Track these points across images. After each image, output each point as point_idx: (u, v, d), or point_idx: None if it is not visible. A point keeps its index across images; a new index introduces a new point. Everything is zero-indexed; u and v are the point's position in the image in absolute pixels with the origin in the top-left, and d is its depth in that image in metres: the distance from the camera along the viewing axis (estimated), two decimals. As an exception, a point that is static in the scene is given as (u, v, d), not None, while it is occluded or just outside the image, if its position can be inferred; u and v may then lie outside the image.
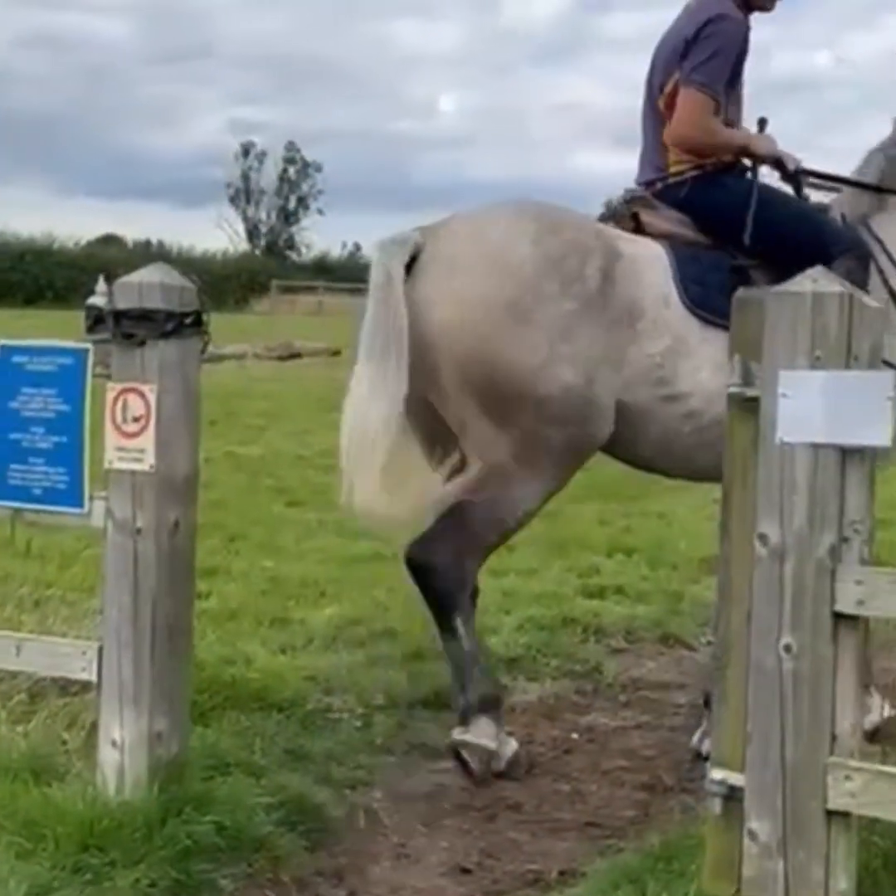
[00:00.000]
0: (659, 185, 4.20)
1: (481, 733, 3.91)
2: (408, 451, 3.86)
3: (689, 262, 4.01)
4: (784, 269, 3.98)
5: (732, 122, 4.21)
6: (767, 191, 4.20)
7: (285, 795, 3.45)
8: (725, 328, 2.96)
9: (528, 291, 3.75)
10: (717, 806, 2.77)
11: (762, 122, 4.26)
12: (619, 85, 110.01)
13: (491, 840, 3.57)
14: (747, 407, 2.81)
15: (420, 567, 3.88)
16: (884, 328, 2.57)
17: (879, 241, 4.20)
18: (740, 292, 2.88)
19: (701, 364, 3.91)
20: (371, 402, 3.73)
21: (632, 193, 4.27)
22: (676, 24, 4.23)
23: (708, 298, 3.90)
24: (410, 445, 3.88)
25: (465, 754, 3.91)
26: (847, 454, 2.45)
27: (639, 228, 4.16)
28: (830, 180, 4.40)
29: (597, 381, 3.83)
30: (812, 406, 2.45)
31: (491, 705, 3.94)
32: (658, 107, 4.20)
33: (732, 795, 2.71)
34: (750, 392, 2.69)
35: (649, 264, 3.97)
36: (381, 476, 3.73)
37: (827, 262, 3.95)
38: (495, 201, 4.11)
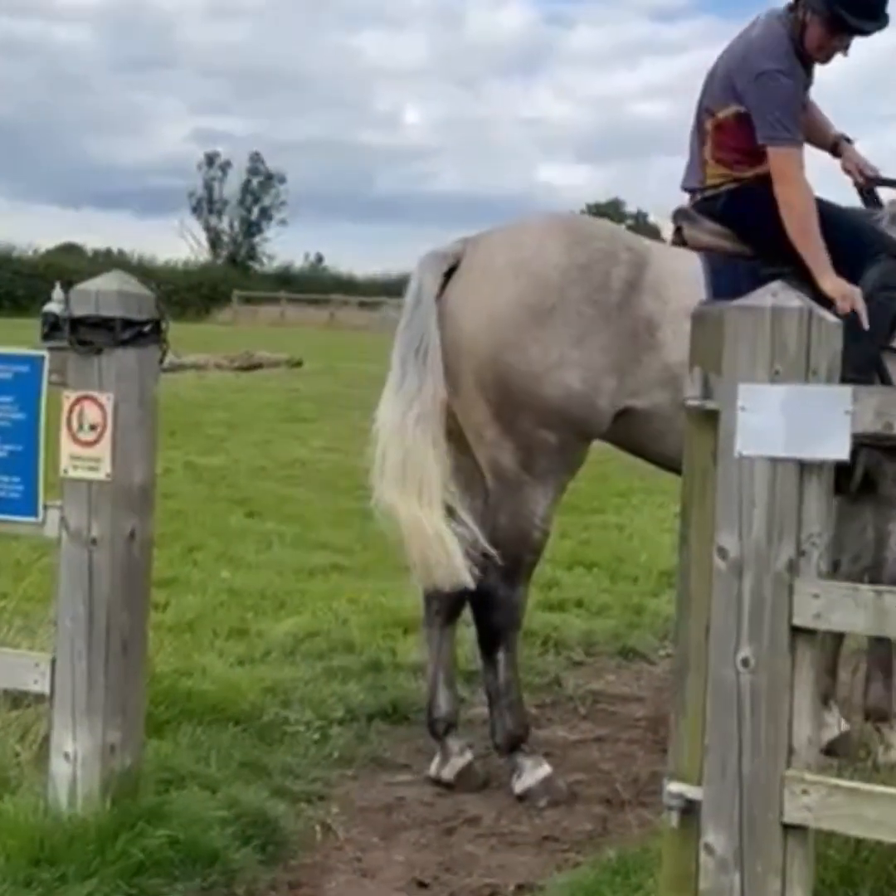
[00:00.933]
0: (698, 197, 4.32)
1: (530, 772, 4.00)
2: (428, 457, 3.93)
3: (723, 274, 4.10)
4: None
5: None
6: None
7: (240, 809, 3.43)
8: None
9: (550, 295, 3.87)
10: (674, 819, 2.76)
11: (848, 140, 4.42)
12: (583, 99, 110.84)
13: (448, 854, 3.55)
14: (706, 420, 2.82)
15: (477, 599, 4.02)
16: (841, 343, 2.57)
17: None
18: (698, 306, 2.90)
19: None
20: (390, 403, 3.94)
21: (677, 208, 4.41)
22: (732, 51, 4.21)
23: None
24: (432, 452, 3.94)
25: (541, 800, 3.94)
26: (805, 468, 2.45)
27: (683, 241, 4.32)
28: None
29: (601, 388, 3.90)
30: (771, 420, 2.45)
31: (520, 741, 4.06)
32: (705, 127, 4.26)
33: (690, 809, 2.71)
34: (709, 405, 2.70)
35: (679, 277, 4.06)
36: (396, 472, 3.90)
37: (863, 264, 4.01)
38: (536, 212, 4.27)
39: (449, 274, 4.00)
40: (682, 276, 4.06)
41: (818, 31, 4.09)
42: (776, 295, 2.50)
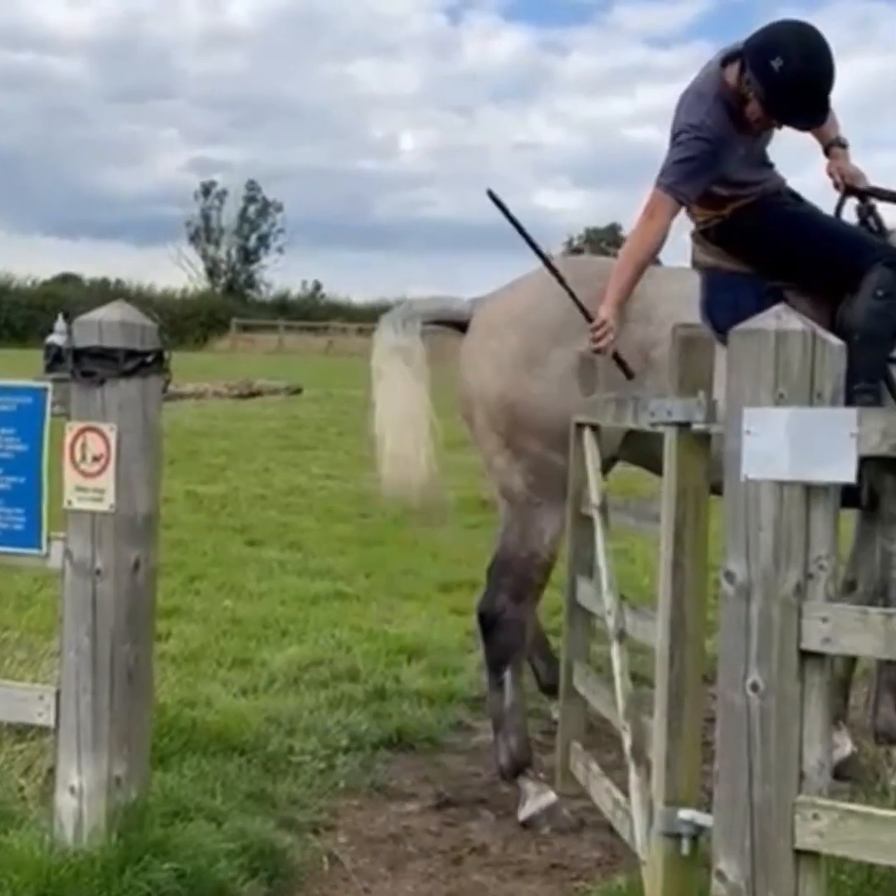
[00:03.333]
0: (699, 227, 4.41)
1: (534, 799, 3.99)
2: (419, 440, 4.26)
3: (721, 291, 4.19)
4: (821, 286, 4.06)
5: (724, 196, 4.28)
6: (796, 213, 4.31)
7: (247, 840, 3.40)
8: None
9: (545, 341, 4.14)
10: (685, 846, 2.75)
11: (842, 145, 4.41)
12: (577, 126, 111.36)
13: (456, 883, 3.53)
14: (696, 442, 2.83)
15: (485, 619, 4.15)
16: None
17: None
18: (682, 330, 2.92)
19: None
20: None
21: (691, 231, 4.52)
22: (693, 84, 4.25)
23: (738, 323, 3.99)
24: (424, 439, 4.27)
25: (544, 827, 3.93)
26: (812, 491, 2.44)
27: (695, 262, 4.44)
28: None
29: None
30: (777, 443, 2.44)
31: (524, 765, 4.07)
32: None
33: (699, 834, 2.71)
34: (702, 428, 2.72)
35: (672, 298, 4.16)
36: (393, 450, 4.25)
37: (861, 273, 4.02)
38: (534, 272, 4.35)
39: (460, 327, 4.38)
40: (675, 297, 4.16)
41: (756, 110, 4.11)
42: (780, 317, 2.50)
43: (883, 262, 4.11)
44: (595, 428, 3.88)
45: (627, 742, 3.27)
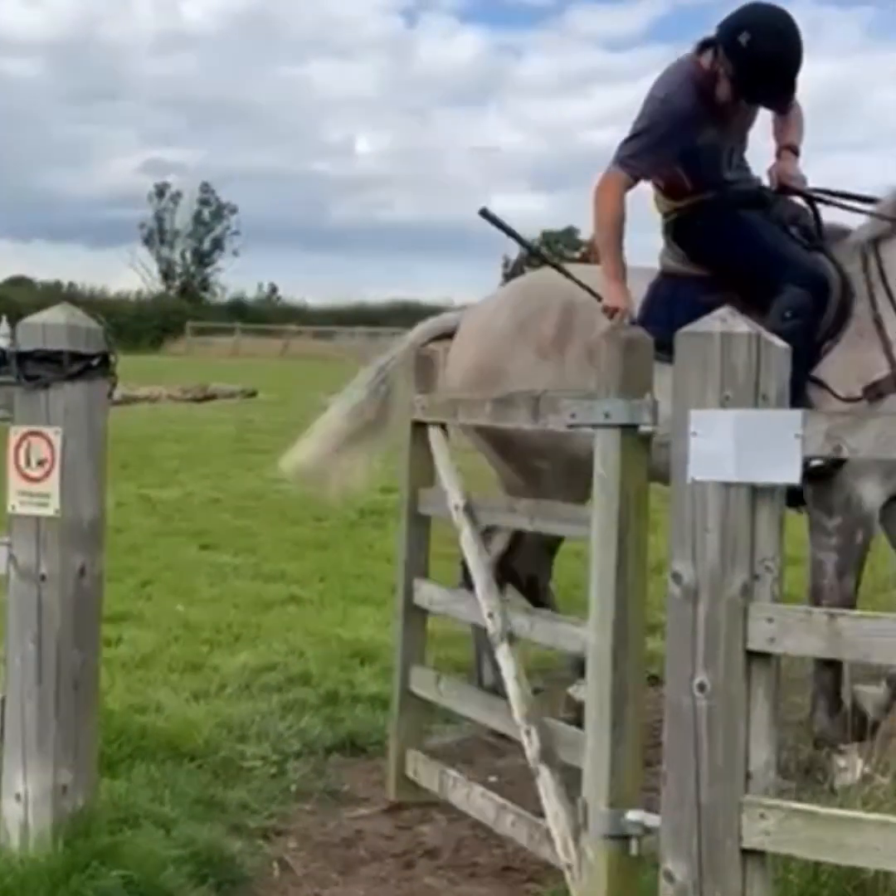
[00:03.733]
0: (664, 220, 4.48)
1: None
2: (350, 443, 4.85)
3: (659, 297, 4.31)
4: (753, 300, 4.09)
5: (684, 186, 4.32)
6: (740, 220, 4.31)
7: (196, 847, 3.37)
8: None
9: (502, 352, 4.49)
10: (634, 847, 2.76)
11: (795, 152, 4.42)
12: (534, 128, 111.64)
13: (408, 887, 3.52)
14: (643, 445, 2.84)
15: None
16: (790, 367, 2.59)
17: (880, 263, 4.18)
18: (624, 333, 2.96)
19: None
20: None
21: None
22: (666, 68, 4.32)
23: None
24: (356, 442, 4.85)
25: None
26: (758, 492, 2.46)
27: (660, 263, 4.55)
28: (840, 198, 4.41)
29: None
30: (723, 445, 2.46)
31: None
32: None
33: (646, 835, 2.72)
34: (660, 431, 2.72)
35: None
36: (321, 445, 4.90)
37: (775, 292, 4.04)
38: (514, 282, 4.95)
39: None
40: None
41: (726, 90, 4.16)
42: (725, 320, 2.52)
43: (794, 283, 4.11)
44: (443, 427, 3.93)
45: (534, 746, 3.23)
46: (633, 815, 2.73)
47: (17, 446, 3.14)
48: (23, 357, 3.12)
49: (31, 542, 3.16)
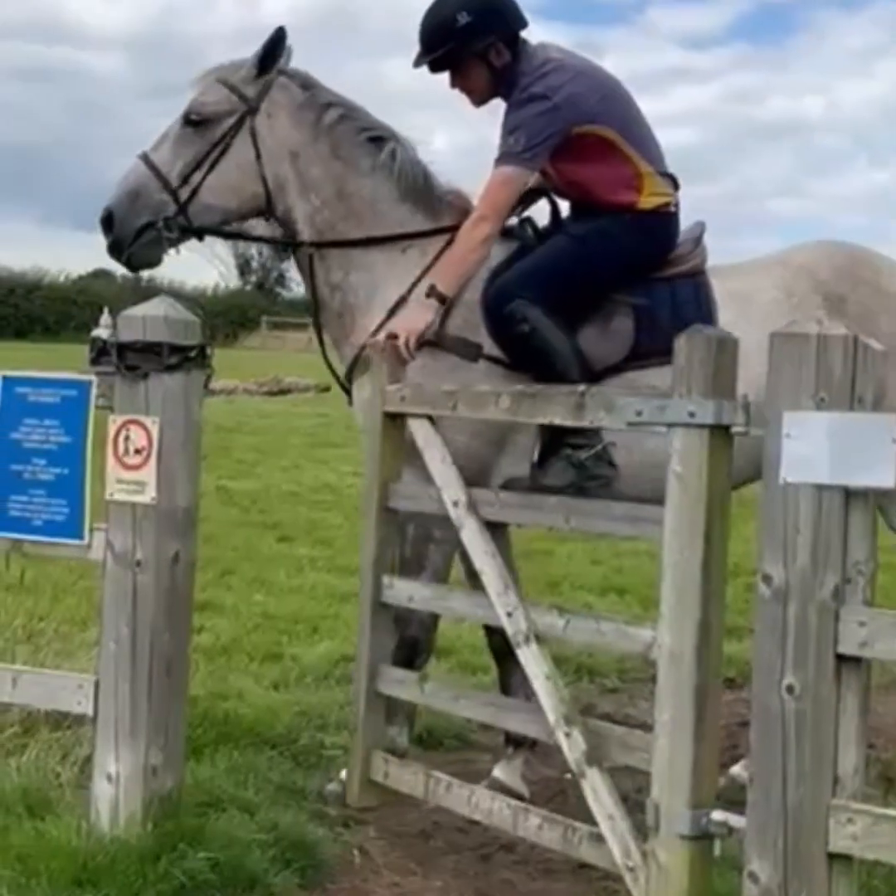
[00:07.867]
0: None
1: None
2: None
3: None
4: None
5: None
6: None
7: (279, 832, 3.43)
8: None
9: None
10: (717, 847, 2.77)
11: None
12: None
13: (485, 880, 3.54)
14: (728, 446, 2.82)
15: None
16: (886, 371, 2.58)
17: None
18: (714, 333, 2.90)
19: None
20: None
21: None
22: None
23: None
24: None
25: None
26: (851, 495, 2.45)
27: None
28: None
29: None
30: (816, 447, 2.45)
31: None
32: None
33: (730, 836, 2.72)
34: (754, 431, 2.71)
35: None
36: None
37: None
38: None
39: None
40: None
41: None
42: (821, 322, 2.51)
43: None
44: (431, 420, 3.66)
45: (579, 747, 3.16)
46: (717, 815, 2.73)
47: (116, 434, 3.22)
48: (123, 348, 3.20)
49: (127, 528, 3.24)
